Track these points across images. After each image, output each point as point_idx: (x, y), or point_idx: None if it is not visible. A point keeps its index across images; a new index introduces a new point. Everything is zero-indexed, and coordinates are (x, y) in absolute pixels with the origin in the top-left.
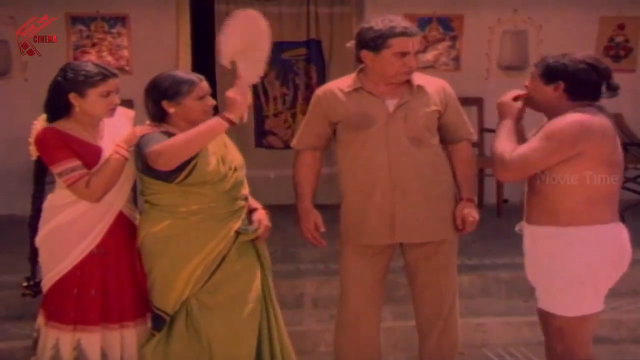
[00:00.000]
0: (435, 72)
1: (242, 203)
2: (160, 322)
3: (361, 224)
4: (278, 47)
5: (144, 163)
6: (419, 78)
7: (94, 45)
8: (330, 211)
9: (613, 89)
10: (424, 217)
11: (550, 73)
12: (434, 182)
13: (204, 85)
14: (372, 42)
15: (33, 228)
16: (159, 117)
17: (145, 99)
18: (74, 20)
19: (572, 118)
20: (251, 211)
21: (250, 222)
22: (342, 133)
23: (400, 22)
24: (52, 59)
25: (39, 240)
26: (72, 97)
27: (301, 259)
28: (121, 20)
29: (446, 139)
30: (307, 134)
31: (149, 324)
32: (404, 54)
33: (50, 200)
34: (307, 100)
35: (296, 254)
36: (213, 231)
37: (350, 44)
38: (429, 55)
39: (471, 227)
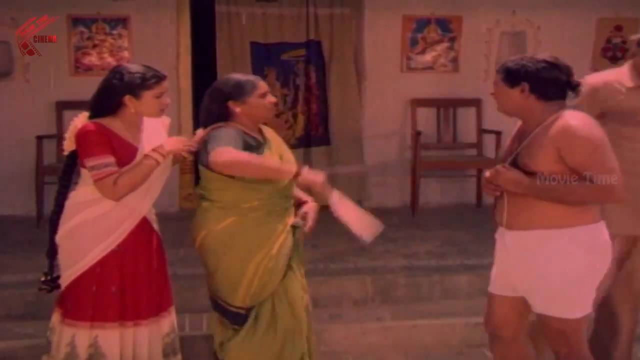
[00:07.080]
0: (434, 73)
1: (292, 201)
2: (237, 318)
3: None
4: (278, 48)
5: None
6: None
7: (95, 46)
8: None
9: (574, 88)
10: None
11: (512, 76)
12: None
13: (264, 84)
14: None
15: (54, 224)
16: (224, 118)
17: (208, 103)
18: (75, 21)
19: (583, 120)
20: (300, 204)
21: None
22: (609, 123)
23: None
24: (53, 60)
25: (60, 237)
26: (128, 99)
27: None
28: (122, 21)
29: None
30: None
31: (160, 323)
32: None
33: (74, 198)
34: (307, 100)
35: None
36: (272, 226)
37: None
38: (428, 57)
39: None
